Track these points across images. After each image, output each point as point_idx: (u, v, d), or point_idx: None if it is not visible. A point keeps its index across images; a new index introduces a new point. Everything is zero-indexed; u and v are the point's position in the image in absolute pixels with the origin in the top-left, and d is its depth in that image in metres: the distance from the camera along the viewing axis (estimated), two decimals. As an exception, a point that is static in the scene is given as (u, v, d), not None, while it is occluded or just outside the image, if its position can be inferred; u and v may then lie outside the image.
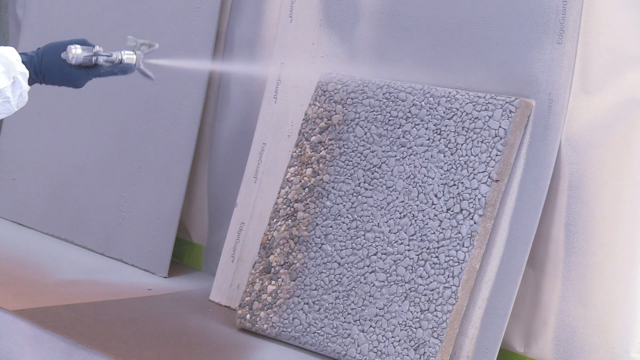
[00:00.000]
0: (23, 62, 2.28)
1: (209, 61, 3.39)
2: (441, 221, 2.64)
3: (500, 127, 2.62)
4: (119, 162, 3.60)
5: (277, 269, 2.88)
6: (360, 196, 2.80)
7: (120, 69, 2.42)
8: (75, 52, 2.33)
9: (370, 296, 2.70)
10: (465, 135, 2.67)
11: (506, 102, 2.64)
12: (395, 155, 2.77)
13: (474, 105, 2.68)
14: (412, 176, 2.73)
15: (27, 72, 2.27)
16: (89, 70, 2.37)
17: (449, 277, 2.59)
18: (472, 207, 2.60)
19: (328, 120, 2.93)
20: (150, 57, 2.47)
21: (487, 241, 2.60)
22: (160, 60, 2.52)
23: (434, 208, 2.66)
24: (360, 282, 2.73)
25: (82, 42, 2.36)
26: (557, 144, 2.59)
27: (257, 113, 3.22)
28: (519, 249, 2.58)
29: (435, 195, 2.67)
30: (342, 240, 2.79)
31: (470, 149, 2.65)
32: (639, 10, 2.52)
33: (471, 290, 2.60)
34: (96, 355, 2.63)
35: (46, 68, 2.33)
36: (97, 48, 2.36)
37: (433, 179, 2.69)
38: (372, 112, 2.85)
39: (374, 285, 2.70)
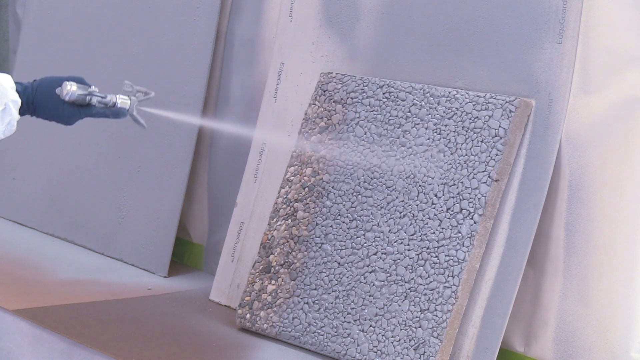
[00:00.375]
0: (17, 90, 2.28)
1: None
2: (441, 221, 2.64)
3: (500, 126, 2.62)
4: (119, 162, 3.60)
5: (277, 268, 2.88)
6: (360, 196, 2.80)
7: (113, 112, 2.42)
8: (70, 89, 2.33)
9: (370, 296, 2.70)
10: (465, 135, 2.67)
11: (506, 102, 2.63)
12: (395, 155, 2.77)
13: (473, 105, 2.68)
14: (412, 176, 2.73)
15: (19, 101, 2.27)
16: (81, 109, 2.37)
17: (448, 276, 2.59)
18: (472, 207, 2.60)
19: (328, 119, 2.93)
20: (144, 104, 2.48)
21: (487, 241, 2.60)
22: (155, 110, 2.54)
23: (434, 208, 2.66)
24: (360, 282, 2.73)
25: (79, 80, 2.36)
26: (557, 143, 2.59)
27: (257, 113, 3.22)
28: (519, 248, 2.58)
29: (435, 195, 2.67)
30: (342, 240, 2.79)
31: (470, 149, 2.65)
32: (639, 10, 2.52)
33: (471, 289, 2.60)
34: (96, 355, 2.63)
35: (39, 100, 2.33)
36: (92, 88, 2.37)
37: (433, 178, 2.69)
38: (372, 111, 2.85)
39: (373, 285, 2.70)
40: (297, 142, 2.96)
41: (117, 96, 2.43)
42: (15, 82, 2.29)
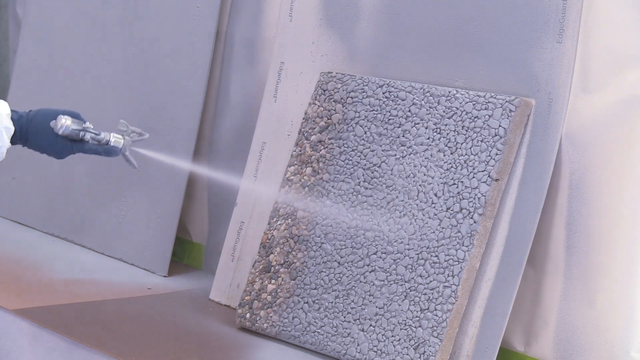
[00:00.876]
0: (12, 118, 2.28)
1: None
2: (441, 220, 2.64)
3: (500, 126, 2.62)
4: (119, 162, 3.59)
5: (277, 268, 2.88)
6: (360, 195, 2.80)
7: (105, 150, 2.43)
8: (64, 123, 2.33)
9: (370, 295, 2.70)
10: (465, 134, 2.67)
11: (506, 101, 2.63)
12: (395, 154, 2.77)
13: (473, 105, 2.68)
14: (411, 175, 2.72)
15: (12, 128, 2.28)
16: (74, 143, 2.37)
17: (448, 276, 2.59)
18: (472, 206, 2.60)
19: (328, 119, 2.93)
20: (137, 145, 2.50)
21: (487, 240, 2.60)
22: (147, 152, 2.55)
23: (434, 207, 2.66)
24: (360, 281, 2.73)
25: (74, 115, 2.37)
26: (557, 143, 2.58)
27: (257, 112, 3.22)
28: (519, 248, 2.58)
29: (435, 195, 2.67)
30: (342, 239, 2.79)
31: (470, 148, 2.65)
32: (639, 10, 2.52)
33: (471, 289, 2.59)
34: (96, 354, 2.63)
35: (32, 130, 2.33)
36: (87, 124, 2.38)
37: (433, 178, 2.69)
38: (372, 111, 2.85)
39: (373, 285, 2.70)
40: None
41: (111, 134, 2.45)
42: (12, 110, 2.29)
